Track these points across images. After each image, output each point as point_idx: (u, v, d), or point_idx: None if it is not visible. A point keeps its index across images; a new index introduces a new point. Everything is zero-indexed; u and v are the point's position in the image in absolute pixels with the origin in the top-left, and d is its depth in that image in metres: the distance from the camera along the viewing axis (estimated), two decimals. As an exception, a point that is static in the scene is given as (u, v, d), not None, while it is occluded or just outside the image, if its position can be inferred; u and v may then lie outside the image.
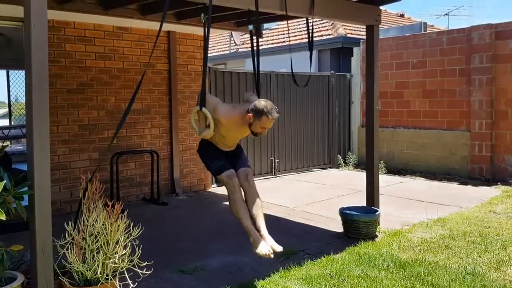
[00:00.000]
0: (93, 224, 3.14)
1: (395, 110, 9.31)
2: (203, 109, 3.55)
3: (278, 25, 14.00)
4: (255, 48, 3.95)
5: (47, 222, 2.82)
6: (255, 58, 3.94)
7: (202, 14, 3.64)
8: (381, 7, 5.25)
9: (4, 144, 3.28)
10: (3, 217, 2.60)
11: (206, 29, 3.61)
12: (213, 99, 3.76)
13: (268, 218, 5.75)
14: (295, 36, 12.50)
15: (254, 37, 4.00)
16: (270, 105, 3.54)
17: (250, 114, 3.51)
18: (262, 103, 3.53)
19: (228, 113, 3.65)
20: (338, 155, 9.83)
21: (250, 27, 4.15)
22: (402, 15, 16.19)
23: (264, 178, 8.46)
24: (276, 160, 8.78)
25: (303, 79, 8.39)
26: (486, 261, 4.10)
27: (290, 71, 4.70)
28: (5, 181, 2.79)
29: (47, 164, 2.84)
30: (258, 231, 3.64)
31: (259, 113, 3.49)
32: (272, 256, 3.51)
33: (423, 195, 6.92)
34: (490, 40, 7.91)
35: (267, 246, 3.52)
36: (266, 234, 3.65)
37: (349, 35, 11.28)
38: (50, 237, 2.84)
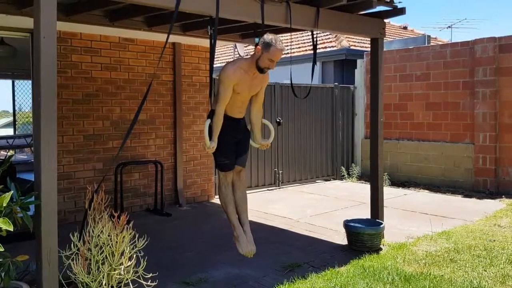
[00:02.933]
0: (98, 235, 3.15)
1: (398, 122, 9.32)
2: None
3: (282, 37, 14.07)
4: None
5: (53, 232, 2.83)
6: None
7: (209, 27, 3.68)
8: (385, 20, 5.29)
9: (10, 154, 3.29)
10: (11, 228, 2.61)
11: (212, 41, 3.66)
12: (226, 77, 3.71)
13: (272, 230, 5.77)
14: (299, 47, 12.56)
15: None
16: (277, 37, 3.67)
17: (259, 47, 3.61)
18: (269, 36, 3.64)
19: (236, 65, 3.74)
20: (342, 167, 9.82)
21: (257, 40, 4.19)
22: (405, 28, 16.27)
23: (268, 190, 8.45)
24: (280, 172, 8.78)
25: (306, 90, 8.42)
26: (491, 275, 4.07)
27: (293, 83, 4.73)
28: (12, 191, 2.81)
29: (54, 175, 2.85)
30: (242, 225, 3.94)
31: (267, 44, 3.58)
32: (251, 257, 3.87)
33: (427, 208, 6.89)
34: (494, 53, 7.93)
35: (249, 246, 3.86)
36: (249, 230, 3.96)
37: (352, 47, 11.33)
38: (56, 248, 2.84)
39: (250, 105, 4.06)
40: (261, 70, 3.71)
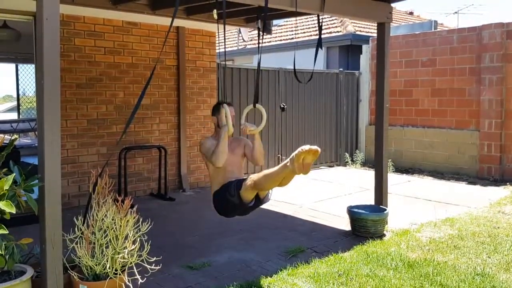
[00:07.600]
0: (102, 219, 3.15)
1: (403, 109, 9.26)
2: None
3: (287, 21, 13.95)
4: (261, 45, 4.01)
5: (57, 216, 2.83)
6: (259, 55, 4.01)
7: (215, 10, 3.64)
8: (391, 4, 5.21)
9: (13, 138, 3.27)
10: (13, 210, 2.61)
11: (222, 25, 3.66)
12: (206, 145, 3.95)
13: (276, 215, 5.78)
14: (304, 32, 12.45)
15: (261, 34, 4.03)
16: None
17: (213, 117, 4.04)
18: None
19: (213, 140, 3.95)
20: (346, 153, 9.80)
21: (259, 23, 4.15)
22: (411, 13, 16.11)
23: (271, 175, 8.44)
24: (283, 157, 8.76)
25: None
26: (495, 262, 4.06)
27: (297, 68, 4.68)
28: (14, 174, 2.80)
29: (58, 158, 2.84)
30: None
31: (215, 109, 4.01)
32: (318, 148, 3.16)
33: (431, 195, 6.87)
34: (501, 39, 7.83)
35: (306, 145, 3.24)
36: None
37: (358, 32, 11.22)
38: (60, 231, 2.84)
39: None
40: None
